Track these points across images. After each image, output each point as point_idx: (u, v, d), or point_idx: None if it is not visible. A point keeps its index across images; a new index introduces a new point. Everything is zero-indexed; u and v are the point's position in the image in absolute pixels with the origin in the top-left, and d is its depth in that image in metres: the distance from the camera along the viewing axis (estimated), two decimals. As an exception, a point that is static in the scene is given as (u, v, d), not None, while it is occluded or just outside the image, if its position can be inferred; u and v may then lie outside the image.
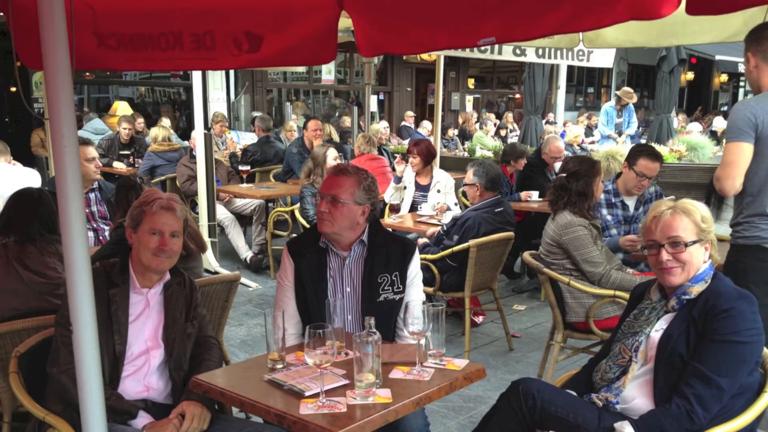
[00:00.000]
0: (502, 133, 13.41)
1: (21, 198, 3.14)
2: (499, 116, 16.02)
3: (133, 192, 3.60)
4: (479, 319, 5.24)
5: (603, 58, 8.08)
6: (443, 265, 4.51)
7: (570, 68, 13.99)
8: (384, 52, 3.28)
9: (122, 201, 3.64)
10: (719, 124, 13.28)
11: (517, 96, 18.97)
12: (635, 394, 2.28)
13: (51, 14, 1.80)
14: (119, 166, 8.13)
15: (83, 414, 1.93)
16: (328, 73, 15.38)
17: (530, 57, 7.48)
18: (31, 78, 10.75)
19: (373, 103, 14.44)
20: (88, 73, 12.24)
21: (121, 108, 11.51)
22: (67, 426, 2.18)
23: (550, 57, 7.48)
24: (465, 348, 4.50)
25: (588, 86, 21.31)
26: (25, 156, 8.10)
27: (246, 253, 6.72)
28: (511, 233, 4.56)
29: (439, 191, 5.73)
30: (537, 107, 10.36)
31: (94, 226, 4.44)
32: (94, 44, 3.06)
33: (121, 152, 8.31)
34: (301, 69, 14.26)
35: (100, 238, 4.40)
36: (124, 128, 8.48)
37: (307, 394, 1.95)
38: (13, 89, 12.00)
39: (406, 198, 5.87)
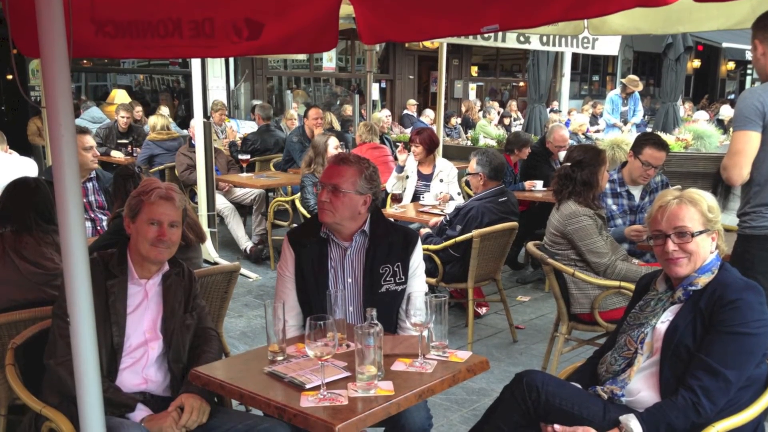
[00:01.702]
0: (506, 121, 13.35)
1: (17, 187, 3.11)
2: (502, 104, 15.96)
3: (131, 181, 3.58)
4: (482, 310, 5.22)
5: (608, 46, 8.01)
6: (446, 256, 4.47)
7: (575, 56, 13.87)
8: (386, 40, 3.23)
9: (120, 190, 3.62)
10: (726, 112, 13.18)
11: (521, 84, 18.89)
12: (641, 386, 2.25)
13: (48, 1, 1.77)
14: (117, 155, 8.10)
15: (81, 407, 1.92)
16: (329, 60, 15.32)
17: (534, 44, 7.42)
18: (28, 66, 10.71)
19: (374, 91, 14.36)
20: (85, 61, 12.17)
21: (119, 96, 11.46)
22: (64, 419, 2.16)
23: (554, 44, 7.42)
24: (468, 340, 4.48)
25: (593, 74, 21.22)
26: (21, 145, 8.08)
27: (246, 243, 6.69)
28: (515, 223, 4.53)
29: (441, 181, 5.69)
30: (541, 95, 10.28)
31: (92, 215, 4.41)
32: (91, 31, 3.02)
33: (119, 141, 8.28)
34: (302, 56, 14.21)
35: (98, 228, 4.38)
36: (122, 117, 8.45)
37: (307, 386, 1.94)
38: (10, 77, 11.94)
39: (408, 187, 5.83)
